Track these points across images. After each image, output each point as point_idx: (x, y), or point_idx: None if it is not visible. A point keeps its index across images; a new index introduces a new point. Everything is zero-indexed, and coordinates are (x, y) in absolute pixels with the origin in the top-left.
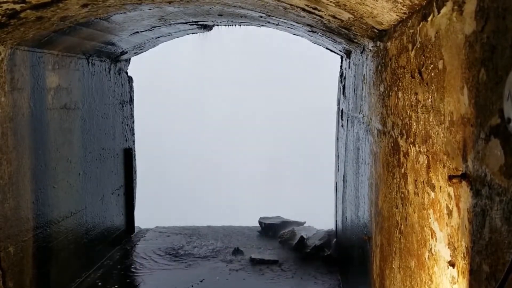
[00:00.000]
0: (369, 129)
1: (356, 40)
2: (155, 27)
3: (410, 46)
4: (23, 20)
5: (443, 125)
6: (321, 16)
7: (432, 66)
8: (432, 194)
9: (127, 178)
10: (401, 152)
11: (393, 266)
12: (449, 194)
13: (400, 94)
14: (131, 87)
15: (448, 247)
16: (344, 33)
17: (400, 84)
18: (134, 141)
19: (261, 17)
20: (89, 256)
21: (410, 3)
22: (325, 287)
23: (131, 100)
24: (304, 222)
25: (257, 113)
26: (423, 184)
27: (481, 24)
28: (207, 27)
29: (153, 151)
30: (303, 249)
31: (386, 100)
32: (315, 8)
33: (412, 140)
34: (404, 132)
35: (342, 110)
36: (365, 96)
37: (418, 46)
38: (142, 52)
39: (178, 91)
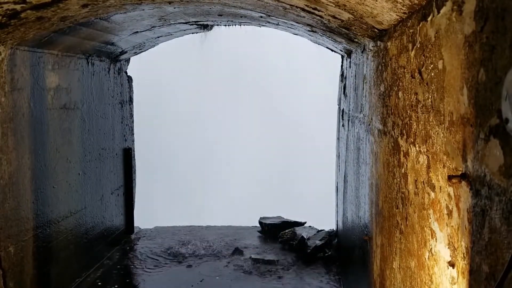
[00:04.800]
0: (370, 129)
1: (356, 40)
2: (155, 27)
3: (410, 46)
4: (24, 20)
5: (443, 125)
6: (321, 16)
7: (432, 66)
8: (432, 194)
9: (127, 178)
10: (401, 152)
11: (394, 267)
12: (449, 194)
13: (400, 94)
14: (130, 86)
15: (448, 247)
16: (344, 33)
17: (400, 84)
18: (133, 141)
19: (261, 17)
20: (89, 256)
21: (410, 3)
22: (325, 287)
23: (131, 100)
24: (305, 222)
25: (257, 112)
26: (423, 184)
27: (480, 24)
28: (207, 27)
29: (153, 151)
30: (304, 249)
31: (387, 100)
32: (314, 8)
33: (412, 140)
34: (404, 132)
35: (342, 109)
36: (365, 95)
37: (418, 46)
38: (142, 52)
39: (178, 91)
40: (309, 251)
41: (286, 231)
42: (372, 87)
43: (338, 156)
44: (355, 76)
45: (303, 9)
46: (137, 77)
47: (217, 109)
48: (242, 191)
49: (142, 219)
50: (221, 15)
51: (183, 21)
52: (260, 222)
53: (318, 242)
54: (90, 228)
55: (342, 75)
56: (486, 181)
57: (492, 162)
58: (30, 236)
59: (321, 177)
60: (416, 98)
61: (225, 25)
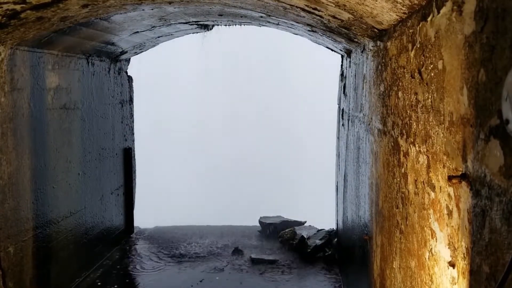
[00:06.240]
0: (370, 129)
1: (356, 40)
2: (155, 27)
3: (410, 46)
4: (23, 21)
5: (443, 125)
6: (321, 16)
7: (431, 66)
8: (432, 194)
9: (127, 178)
10: (401, 152)
11: (394, 266)
12: (449, 194)
13: (400, 94)
14: (130, 86)
15: (448, 248)
16: (344, 33)
17: (400, 84)
18: (133, 140)
19: (261, 17)
20: (89, 256)
21: (410, 3)
22: (325, 287)
23: (131, 100)
24: (305, 222)
25: (258, 112)
26: (423, 184)
27: (480, 24)
28: (207, 27)
29: (153, 150)
30: (304, 249)
31: (386, 100)
32: (314, 8)
33: (412, 140)
34: (404, 132)
35: (342, 109)
36: (365, 95)
37: (418, 46)
38: (142, 51)
39: (178, 91)
40: (309, 250)
41: (286, 230)
42: (372, 86)
43: (338, 156)
44: (355, 75)
45: (303, 9)
46: (138, 77)
47: (218, 108)
48: (242, 190)
49: (142, 219)
50: (221, 15)
51: (184, 21)
52: (260, 222)
53: (318, 242)
54: (90, 228)
55: (342, 74)
56: (486, 182)
57: (492, 162)
58: (30, 236)
59: (321, 176)
60: (416, 98)
61: (226, 25)
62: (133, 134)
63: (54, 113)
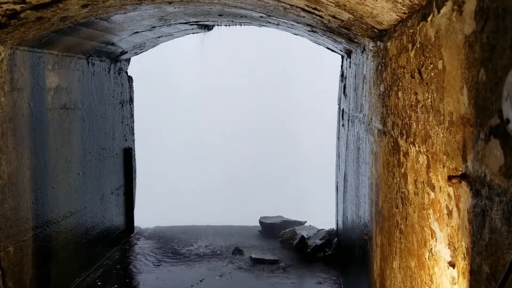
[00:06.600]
0: (370, 129)
1: (356, 40)
2: (155, 27)
3: (410, 46)
4: (23, 21)
5: (443, 125)
6: (321, 16)
7: (431, 66)
8: (432, 194)
9: (127, 178)
10: (401, 152)
11: (394, 266)
12: (449, 194)
13: (400, 94)
14: (131, 86)
15: (448, 248)
16: (344, 33)
17: (400, 84)
18: (134, 140)
19: (261, 17)
20: (89, 256)
21: (410, 3)
22: (325, 287)
23: (131, 100)
24: (305, 222)
25: (258, 112)
26: (423, 184)
27: (480, 24)
28: (207, 27)
29: (153, 150)
30: (304, 249)
31: (386, 100)
32: (315, 8)
33: (412, 140)
34: (404, 132)
35: (343, 109)
36: (365, 95)
37: (418, 46)
38: (142, 52)
39: (178, 91)
40: (309, 250)
41: (286, 230)
42: (372, 87)
43: (338, 156)
44: (355, 76)
45: (303, 9)
46: (138, 77)
47: (219, 108)
48: (242, 190)
49: (142, 219)
50: (221, 15)
51: (184, 21)
52: (260, 222)
53: (318, 242)
54: (90, 228)
55: (342, 75)
56: (486, 182)
57: (492, 162)
58: (30, 236)
59: (321, 176)
60: (416, 98)
61: (226, 25)
62: (133, 134)
63: (54, 113)
